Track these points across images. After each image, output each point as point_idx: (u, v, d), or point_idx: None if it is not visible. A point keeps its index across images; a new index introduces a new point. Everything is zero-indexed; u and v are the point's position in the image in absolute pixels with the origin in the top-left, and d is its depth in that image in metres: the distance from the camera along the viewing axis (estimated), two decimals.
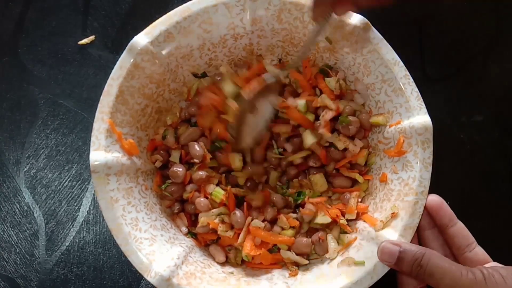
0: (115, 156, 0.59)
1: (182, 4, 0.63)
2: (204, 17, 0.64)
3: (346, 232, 0.64)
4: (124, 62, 0.61)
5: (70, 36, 0.82)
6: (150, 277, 0.56)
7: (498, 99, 0.79)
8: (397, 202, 0.60)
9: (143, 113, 0.65)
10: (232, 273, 0.64)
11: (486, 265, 0.58)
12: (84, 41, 0.81)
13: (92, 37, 0.82)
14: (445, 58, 0.80)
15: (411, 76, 0.62)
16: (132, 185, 0.62)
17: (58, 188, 0.75)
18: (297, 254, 0.64)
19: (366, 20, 0.63)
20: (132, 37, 0.62)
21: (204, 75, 0.70)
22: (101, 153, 0.58)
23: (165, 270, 0.57)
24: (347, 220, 0.65)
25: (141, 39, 0.61)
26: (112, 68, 0.61)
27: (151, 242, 0.59)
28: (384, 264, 0.56)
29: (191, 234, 0.67)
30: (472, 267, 0.58)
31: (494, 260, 0.60)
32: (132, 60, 0.61)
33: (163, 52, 0.63)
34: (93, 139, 0.59)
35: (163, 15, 0.63)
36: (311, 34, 0.62)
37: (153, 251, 0.58)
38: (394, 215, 0.59)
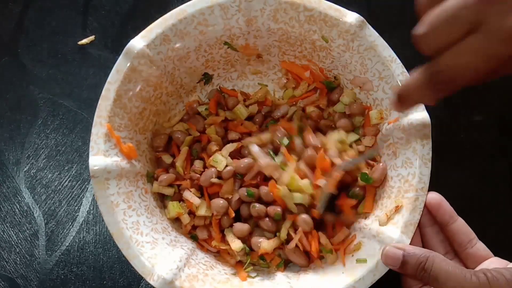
0: (114, 160, 0.60)
1: (181, 4, 0.63)
2: (199, 18, 0.63)
3: None
4: (120, 66, 0.61)
5: (70, 36, 0.82)
6: (153, 280, 0.56)
7: (498, 99, 0.78)
8: (398, 199, 0.60)
9: (141, 117, 0.65)
10: (234, 274, 0.64)
11: (488, 261, 0.59)
12: (84, 41, 0.81)
13: (92, 37, 0.82)
14: None
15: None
16: (132, 189, 0.62)
17: (58, 188, 0.75)
18: None
19: (361, 17, 0.63)
20: (132, 37, 0.62)
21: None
22: (100, 157, 0.59)
23: (167, 273, 0.57)
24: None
25: (137, 42, 0.61)
26: (112, 68, 0.61)
27: (153, 246, 0.59)
28: (388, 267, 0.56)
29: (194, 236, 0.67)
30: (475, 265, 0.59)
31: None
32: (128, 64, 0.61)
33: (160, 55, 0.63)
34: (91, 143, 0.59)
35: (163, 15, 0.63)
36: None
37: (155, 255, 0.58)
38: (398, 208, 0.59)
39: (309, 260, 0.65)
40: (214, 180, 0.66)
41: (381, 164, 0.65)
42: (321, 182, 0.63)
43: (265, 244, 0.64)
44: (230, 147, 0.68)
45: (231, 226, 0.66)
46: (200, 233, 0.66)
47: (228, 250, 0.66)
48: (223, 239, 0.66)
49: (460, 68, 0.40)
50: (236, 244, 0.64)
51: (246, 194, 0.65)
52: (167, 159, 0.68)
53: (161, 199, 0.68)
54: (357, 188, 0.66)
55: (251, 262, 0.66)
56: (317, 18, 0.64)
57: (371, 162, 0.66)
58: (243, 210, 0.66)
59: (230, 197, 0.66)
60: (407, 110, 0.59)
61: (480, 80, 0.41)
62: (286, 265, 0.66)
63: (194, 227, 0.67)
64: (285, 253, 0.65)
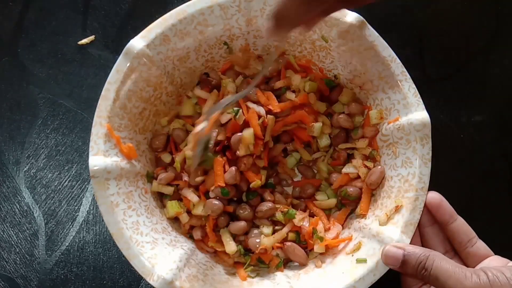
0: (114, 160, 0.60)
1: (181, 4, 0.63)
2: (199, 18, 0.63)
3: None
4: (120, 66, 0.61)
5: (70, 36, 0.82)
6: (153, 280, 0.57)
7: (498, 99, 0.78)
8: (397, 198, 0.60)
9: (141, 117, 0.65)
10: (234, 274, 0.64)
11: (488, 259, 0.59)
12: (84, 41, 0.81)
13: (92, 37, 0.82)
14: (445, 58, 0.79)
15: (411, 76, 0.62)
16: (132, 189, 0.62)
17: (58, 188, 0.75)
18: None
19: (361, 17, 0.63)
20: (132, 37, 0.62)
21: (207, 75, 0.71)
22: (100, 157, 0.59)
23: (167, 273, 0.57)
24: None
25: (137, 42, 0.61)
26: (112, 68, 0.61)
27: (153, 246, 0.59)
28: (388, 267, 0.56)
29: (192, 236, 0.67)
30: (475, 264, 0.59)
31: None
32: (128, 64, 0.61)
33: (160, 55, 0.63)
34: (91, 144, 0.59)
35: (163, 15, 0.63)
36: (271, 56, 0.66)
37: (155, 255, 0.59)
38: (398, 208, 0.60)
39: (307, 258, 0.65)
40: (199, 178, 0.66)
41: (379, 167, 0.65)
42: (199, 127, 0.62)
43: (265, 241, 0.64)
44: (191, 138, 0.66)
45: (227, 226, 0.66)
46: (195, 233, 0.66)
47: (225, 250, 0.66)
48: (219, 240, 0.66)
49: None
50: (230, 247, 0.64)
51: (220, 193, 0.65)
52: (166, 157, 0.68)
53: (161, 199, 0.68)
54: (351, 188, 0.66)
55: (250, 264, 0.66)
56: None
57: (369, 164, 0.66)
58: (237, 211, 0.67)
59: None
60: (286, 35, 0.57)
61: None
62: (286, 264, 0.66)
63: (192, 227, 0.67)
64: (284, 251, 0.65)
